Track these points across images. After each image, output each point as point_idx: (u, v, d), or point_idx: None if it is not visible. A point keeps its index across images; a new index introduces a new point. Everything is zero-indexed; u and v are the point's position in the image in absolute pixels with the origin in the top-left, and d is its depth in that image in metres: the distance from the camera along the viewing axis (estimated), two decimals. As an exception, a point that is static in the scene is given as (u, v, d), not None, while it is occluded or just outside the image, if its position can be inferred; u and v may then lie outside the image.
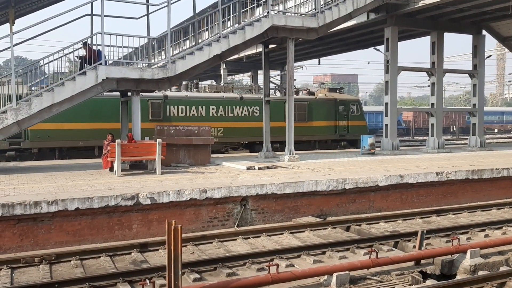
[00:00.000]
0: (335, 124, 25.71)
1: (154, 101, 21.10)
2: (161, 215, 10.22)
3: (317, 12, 16.52)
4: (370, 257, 7.64)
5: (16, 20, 13.52)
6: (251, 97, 23.78)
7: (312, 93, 27.06)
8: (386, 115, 20.62)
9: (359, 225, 10.87)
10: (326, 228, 10.64)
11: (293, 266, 7.90)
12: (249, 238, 9.77)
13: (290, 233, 10.11)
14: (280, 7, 17.97)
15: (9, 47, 12.94)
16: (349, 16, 17.50)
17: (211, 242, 9.42)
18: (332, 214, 12.19)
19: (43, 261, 8.09)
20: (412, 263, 8.05)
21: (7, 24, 13.54)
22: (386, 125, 20.68)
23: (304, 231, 10.32)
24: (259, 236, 9.88)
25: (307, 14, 16.95)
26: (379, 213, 12.41)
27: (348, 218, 11.58)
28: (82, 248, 9.01)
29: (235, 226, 10.92)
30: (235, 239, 9.66)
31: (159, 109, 21.31)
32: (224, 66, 31.61)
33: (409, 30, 22.04)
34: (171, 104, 21.67)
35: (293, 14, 17.45)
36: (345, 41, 26.95)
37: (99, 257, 8.47)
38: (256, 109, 23.22)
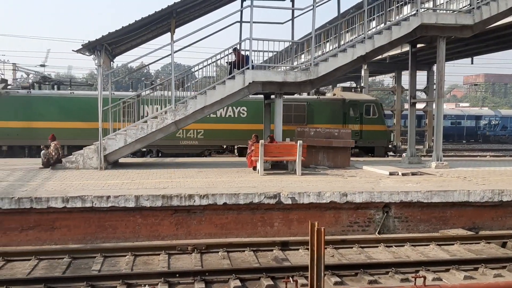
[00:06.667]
0: (344, 128, 21.32)
1: None
2: (301, 216, 10.39)
3: (473, 8, 15.22)
4: (534, 280, 6.80)
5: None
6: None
7: (323, 93, 23.59)
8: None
9: (518, 242, 9.73)
10: (478, 243, 9.74)
11: (441, 280, 7.41)
12: (391, 246, 9.40)
13: (437, 244, 9.49)
14: (430, 4, 16.96)
15: (169, 54, 14.39)
16: (510, 11, 15.77)
17: (351, 247, 9.28)
18: (486, 228, 11.10)
19: (195, 250, 8.81)
20: None
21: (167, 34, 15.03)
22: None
23: (453, 244, 9.60)
24: (403, 246, 9.44)
25: (461, 11, 15.70)
26: (544, 231, 10.96)
27: (505, 233, 10.44)
28: (228, 241, 9.59)
29: (376, 233, 10.60)
30: (377, 246, 9.38)
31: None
32: (365, 67, 30.89)
33: None
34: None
35: (444, 11, 16.35)
36: (503, 38, 24.33)
37: (244, 251, 8.93)
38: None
